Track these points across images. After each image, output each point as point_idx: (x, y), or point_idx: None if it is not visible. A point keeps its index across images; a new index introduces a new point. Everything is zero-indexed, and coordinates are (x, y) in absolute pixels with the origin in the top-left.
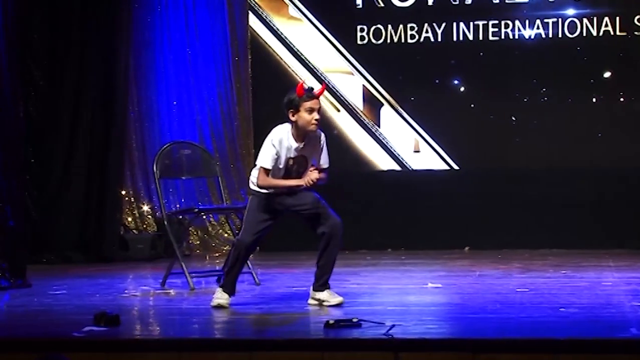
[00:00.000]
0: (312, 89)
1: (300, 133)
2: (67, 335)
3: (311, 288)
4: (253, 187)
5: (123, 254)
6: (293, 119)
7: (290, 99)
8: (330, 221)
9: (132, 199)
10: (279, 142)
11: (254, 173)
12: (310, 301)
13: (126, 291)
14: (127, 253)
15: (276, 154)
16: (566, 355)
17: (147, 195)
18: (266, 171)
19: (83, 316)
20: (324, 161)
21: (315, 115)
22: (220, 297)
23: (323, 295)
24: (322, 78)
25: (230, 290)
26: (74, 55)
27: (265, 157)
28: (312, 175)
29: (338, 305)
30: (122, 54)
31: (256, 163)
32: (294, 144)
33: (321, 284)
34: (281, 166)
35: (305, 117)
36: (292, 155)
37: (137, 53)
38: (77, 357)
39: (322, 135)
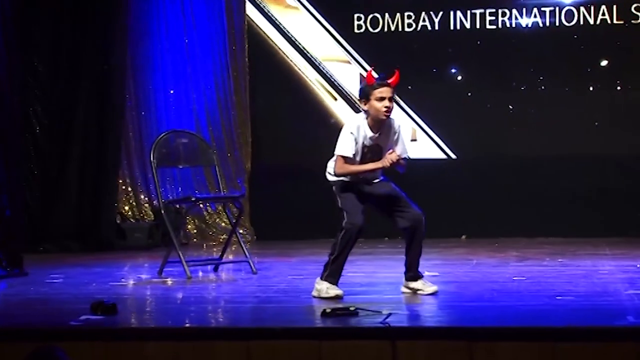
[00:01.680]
0: (384, 76)
1: (374, 122)
2: (64, 324)
3: (404, 277)
4: (330, 177)
5: (120, 243)
6: (365, 107)
7: (361, 88)
8: (411, 214)
9: (130, 188)
10: (357, 129)
11: (331, 164)
12: (403, 289)
13: (123, 280)
14: (124, 242)
15: (355, 141)
16: (563, 344)
17: (144, 184)
18: (345, 159)
19: (80, 305)
20: (401, 150)
21: (386, 103)
22: (326, 287)
23: (417, 284)
24: (320, 67)
25: (335, 279)
26: (70, 45)
27: (345, 146)
28: (391, 156)
29: (433, 294)
30: (118, 43)
31: (334, 152)
32: (370, 133)
33: (412, 274)
34: (358, 155)
35: (376, 105)
36: (367, 144)
37: (134, 42)
38: (73, 346)
39: (397, 124)
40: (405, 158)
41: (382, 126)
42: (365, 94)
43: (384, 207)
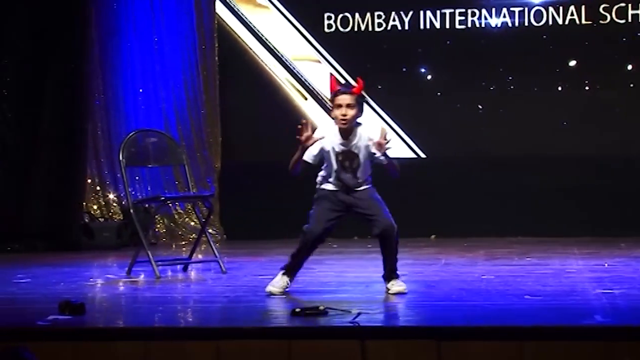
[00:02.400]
0: (348, 84)
1: (341, 129)
2: (32, 325)
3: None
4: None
5: (89, 242)
6: (332, 115)
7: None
8: (381, 223)
9: (98, 187)
10: (322, 133)
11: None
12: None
13: (91, 279)
14: (92, 241)
15: (321, 147)
16: (531, 343)
17: (113, 183)
18: (306, 163)
19: (47, 305)
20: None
21: (342, 111)
22: (278, 278)
23: (389, 284)
24: (290, 66)
25: (290, 273)
26: (38, 43)
27: (309, 150)
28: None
29: (398, 293)
30: (87, 41)
31: None
32: (339, 139)
33: (386, 274)
34: (333, 161)
35: (334, 112)
36: (339, 150)
37: (103, 40)
38: (41, 347)
39: (370, 131)
40: (390, 159)
41: (350, 134)
42: (330, 101)
43: (361, 215)
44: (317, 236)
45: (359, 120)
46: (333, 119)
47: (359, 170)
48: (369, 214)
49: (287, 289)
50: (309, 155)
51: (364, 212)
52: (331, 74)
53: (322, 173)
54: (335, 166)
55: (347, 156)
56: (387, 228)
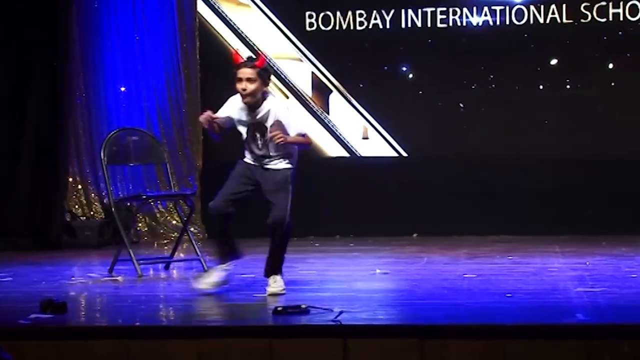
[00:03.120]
0: (250, 58)
1: (245, 102)
2: (13, 323)
3: None
4: None
5: (70, 241)
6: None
7: None
8: (273, 213)
9: (80, 186)
10: (233, 103)
11: None
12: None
13: (73, 278)
14: (74, 240)
15: (231, 111)
16: (513, 341)
17: (95, 182)
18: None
19: (29, 304)
20: (295, 129)
21: (242, 85)
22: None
23: (268, 282)
24: (271, 65)
25: (224, 260)
26: (19, 42)
27: (220, 111)
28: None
29: (274, 295)
30: (68, 40)
31: None
32: (245, 111)
33: (266, 271)
34: (243, 131)
35: (236, 85)
36: (249, 121)
37: (84, 39)
38: (23, 345)
39: (279, 111)
40: (303, 135)
41: (257, 107)
42: (234, 74)
43: (264, 196)
44: (221, 211)
45: (268, 93)
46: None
47: (270, 145)
48: (270, 200)
49: (227, 276)
50: (220, 121)
51: (267, 196)
52: (234, 49)
53: (244, 146)
54: (245, 136)
55: (257, 128)
56: (277, 220)
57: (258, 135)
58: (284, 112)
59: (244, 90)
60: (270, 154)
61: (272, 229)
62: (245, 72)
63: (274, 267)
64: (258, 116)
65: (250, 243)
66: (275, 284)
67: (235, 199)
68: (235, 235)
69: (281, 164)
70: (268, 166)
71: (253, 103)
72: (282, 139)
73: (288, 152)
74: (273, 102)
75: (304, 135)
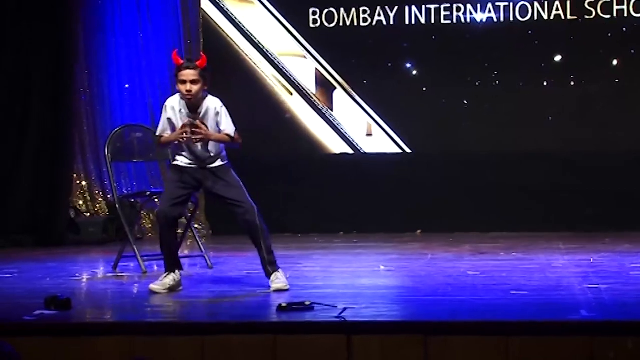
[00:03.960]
0: (191, 59)
1: (190, 103)
2: (18, 320)
3: None
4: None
5: (74, 238)
6: (177, 89)
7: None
8: (242, 209)
9: (84, 183)
10: (172, 109)
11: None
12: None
13: (77, 275)
14: (78, 236)
15: (170, 121)
16: (517, 338)
17: (99, 178)
18: (159, 138)
19: (33, 300)
20: (225, 127)
21: (187, 87)
22: (160, 281)
23: (270, 280)
24: (275, 62)
25: (172, 268)
26: (24, 39)
27: (160, 126)
28: (184, 129)
29: (280, 291)
30: (73, 38)
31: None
32: (186, 111)
33: (265, 269)
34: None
35: (179, 87)
36: (187, 122)
37: (88, 36)
38: (27, 342)
39: (218, 105)
40: (231, 136)
41: (199, 106)
42: (174, 76)
43: (219, 199)
44: (169, 216)
45: (207, 92)
46: (178, 92)
47: (209, 143)
48: (229, 199)
49: (177, 283)
50: (159, 129)
51: (223, 196)
52: (174, 49)
53: (173, 148)
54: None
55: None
56: (247, 210)
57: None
58: (220, 109)
59: (189, 92)
60: (211, 154)
61: (246, 223)
62: (189, 74)
63: (272, 261)
64: (200, 115)
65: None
66: (278, 279)
67: (179, 202)
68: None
69: (219, 162)
70: (209, 166)
71: (195, 102)
72: (202, 136)
73: (225, 151)
74: (211, 100)
75: (232, 136)
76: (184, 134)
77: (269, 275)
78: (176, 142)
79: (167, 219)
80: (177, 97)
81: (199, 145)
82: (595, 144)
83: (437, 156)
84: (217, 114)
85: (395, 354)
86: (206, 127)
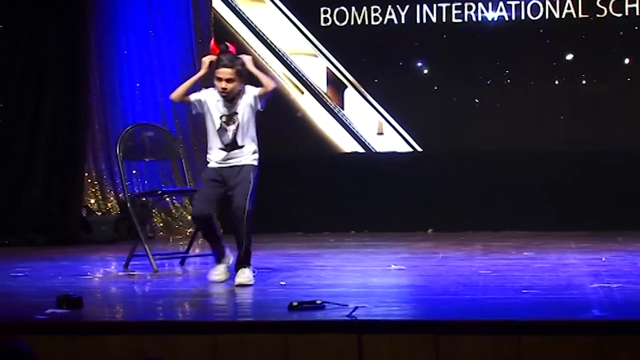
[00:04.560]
0: (225, 49)
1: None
2: (29, 318)
3: None
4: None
5: (86, 236)
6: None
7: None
8: (233, 204)
9: (95, 181)
10: (210, 92)
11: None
12: None
13: (89, 273)
14: (90, 235)
15: (203, 99)
16: (528, 337)
17: (110, 177)
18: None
19: (45, 299)
20: (263, 84)
21: (223, 85)
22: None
23: (237, 274)
24: (286, 60)
25: (216, 259)
26: (35, 38)
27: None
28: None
29: (242, 285)
30: (84, 36)
31: None
32: (222, 103)
33: (236, 263)
34: (215, 120)
35: (216, 83)
36: (224, 112)
37: (100, 35)
38: (39, 340)
39: (254, 93)
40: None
41: (234, 100)
42: (212, 69)
43: (228, 191)
44: (206, 215)
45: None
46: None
47: (238, 132)
48: (231, 190)
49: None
50: (194, 95)
51: (231, 188)
52: (212, 37)
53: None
54: (217, 126)
55: (230, 118)
56: (238, 207)
57: (229, 126)
58: (251, 88)
59: (224, 89)
60: (239, 144)
61: (234, 217)
62: (225, 73)
63: (244, 260)
64: (234, 108)
65: (265, 239)
66: (245, 275)
67: (212, 201)
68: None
69: (247, 159)
70: (234, 162)
71: (231, 98)
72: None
73: (254, 147)
74: (247, 90)
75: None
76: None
77: (236, 270)
78: (209, 139)
79: (201, 218)
80: (216, 93)
81: (229, 133)
82: (607, 143)
83: (449, 155)
84: (255, 98)
85: (406, 353)
86: (236, 114)
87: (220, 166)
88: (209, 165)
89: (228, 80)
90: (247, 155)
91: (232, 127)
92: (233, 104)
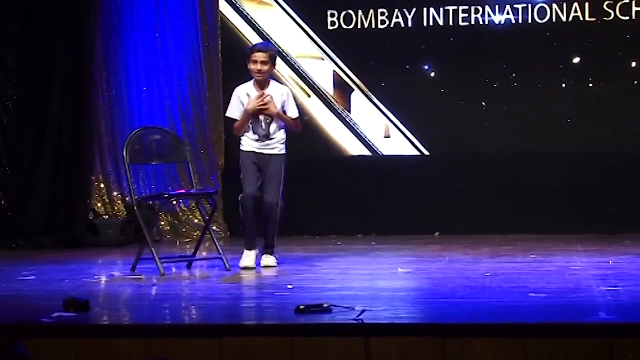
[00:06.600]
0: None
1: (257, 83)
2: (36, 321)
3: None
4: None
5: (93, 240)
6: (248, 68)
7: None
8: (267, 198)
9: (102, 185)
10: (242, 91)
11: None
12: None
13: (96, 277)
14: (97, 238)
15: (240, 103)
16: (535, 340)
17: (117, 180)
18: (233, 121)
19: (52, 302)
20: (291, 113)
21: (258, 67)
22: (244, 255)
23: (262, 257)
24: (293, 64)
25: (249, 245)
26: (43, 41)
27: (230, 108)
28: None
29: (269, 267)
30: (91, 39)
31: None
32: (253, 92)
33: (262, 249)
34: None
35: (250, 67)
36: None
37: (107, 38)
38: (46, 343)
39: (286, 91)
40: (295, 119)
41: (265, 87)
42: (246, 57)
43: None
44: (257, 196)
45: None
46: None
47: (272, 123)
48: (266, 183)
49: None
50: (233, 112)
51: (265, 178)
52: None
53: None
54: (251, 118)
55: (261, 110)
56: (270, 205)
57: (262, 118)
58: (288, 95)
59: (260, 71)
60: (271, 135)
61: (265, 212)
62: (260, 56)
63: (270, 245)
64: (266, 95)
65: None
66: (271, 259)
67: (259, 184)
68: (258, 234)
69: (277, 149)
70: (268, 151)
71: (263, 83)
72: (271, 108)
73: (284, 136)
74: (277, 86)
75: (294, 120)
76: (260, 100)
77: (263, 254)
78: (250, 121)
79: (254, 199)
80: (244, 85)
81: (262, 124)
82: (614, 145)
83: (456, 158)
84: (285, 100)
85: (414, 356)
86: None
87: (255, 152)
88: (244, 150)
89: (263, 63)
90: (277, 144)
91: (264, 118)
92: (263, 91)
